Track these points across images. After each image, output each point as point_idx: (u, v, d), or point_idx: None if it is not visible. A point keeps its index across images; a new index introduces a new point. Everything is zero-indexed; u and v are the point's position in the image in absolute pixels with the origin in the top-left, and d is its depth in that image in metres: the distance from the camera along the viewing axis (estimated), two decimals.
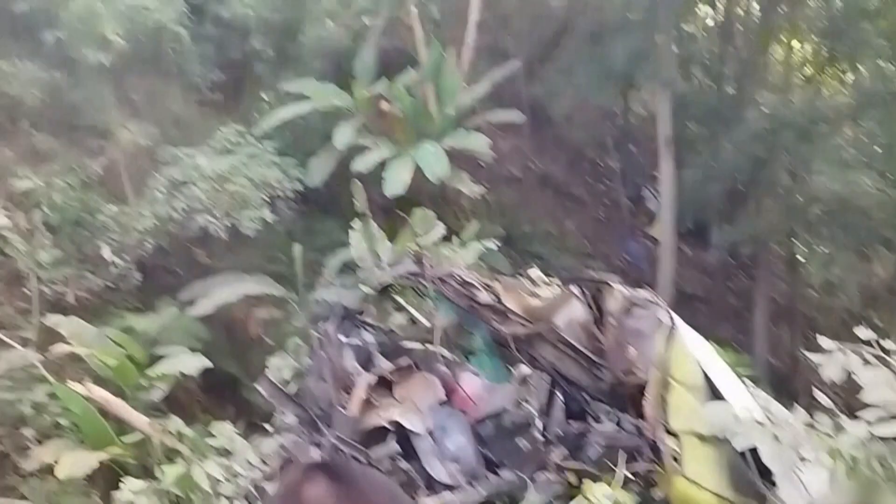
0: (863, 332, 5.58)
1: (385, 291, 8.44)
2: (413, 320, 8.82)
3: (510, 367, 7.60)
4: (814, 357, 5.73)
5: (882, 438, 5.39)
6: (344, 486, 1.32)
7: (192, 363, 10.23)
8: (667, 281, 14.47)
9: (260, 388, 7.97)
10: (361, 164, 13.02)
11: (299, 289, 12.17)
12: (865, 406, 5.33)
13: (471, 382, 8.01)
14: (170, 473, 7.38)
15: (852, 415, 5.90)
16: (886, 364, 5.51)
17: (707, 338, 7.75)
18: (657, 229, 16.56)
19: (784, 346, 16.01)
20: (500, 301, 7.08)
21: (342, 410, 7.10)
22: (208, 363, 10.18)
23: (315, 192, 13.92)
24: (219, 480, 7.16)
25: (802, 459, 6.13)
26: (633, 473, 5.85)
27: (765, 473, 5.84)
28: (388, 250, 10.57)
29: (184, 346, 11.01)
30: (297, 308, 11.95)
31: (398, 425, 6.92)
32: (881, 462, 5.31)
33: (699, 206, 16.43)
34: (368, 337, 8.05)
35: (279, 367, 8.53)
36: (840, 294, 16.09)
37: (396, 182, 12.72)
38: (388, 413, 7.00)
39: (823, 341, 5.60)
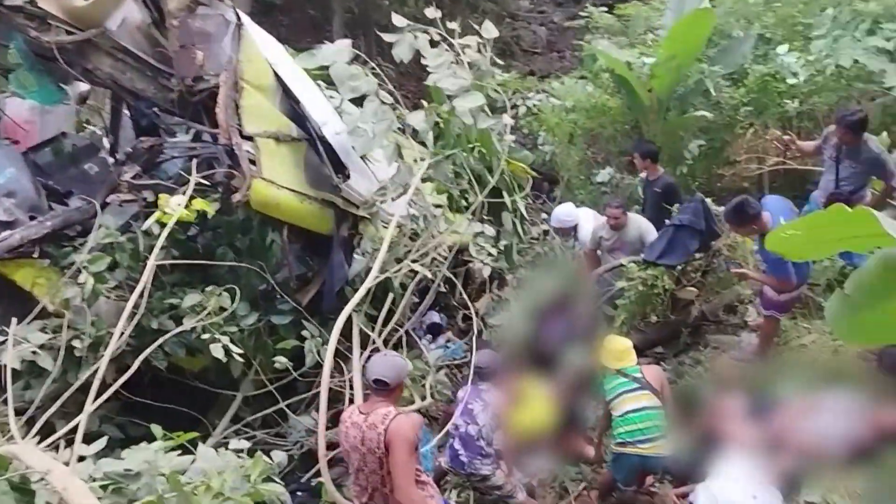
0: (430, 11, 5.85)
1: None
2: None
3: (62, 85, 6.57)
4: (387, 37, 5.90)
5: None
6: None
7: None
8: None
9: None
10: None
11: None
12: None
13: (15, 107, 6.85)
14: None
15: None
16: (451, 47, 5.93)
17: (286, 46, 7.52)
18: None
19: (361, 56, 16.66)
20: (33, 2, 5.83)
21: None
22: None
23: None
24: None
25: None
26: (211, 182, 5.68)
27: (339, 167, 6.14)
28: None
29: None
30: None
31: None
32: None
33: None
34: None
35: None
36: (408, 2, 16.89)
37: None
38: None
39: (397, 19, 5.76)
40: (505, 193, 6.70)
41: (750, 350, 6.41)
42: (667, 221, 6.82)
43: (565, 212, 7.79)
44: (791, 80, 8.58)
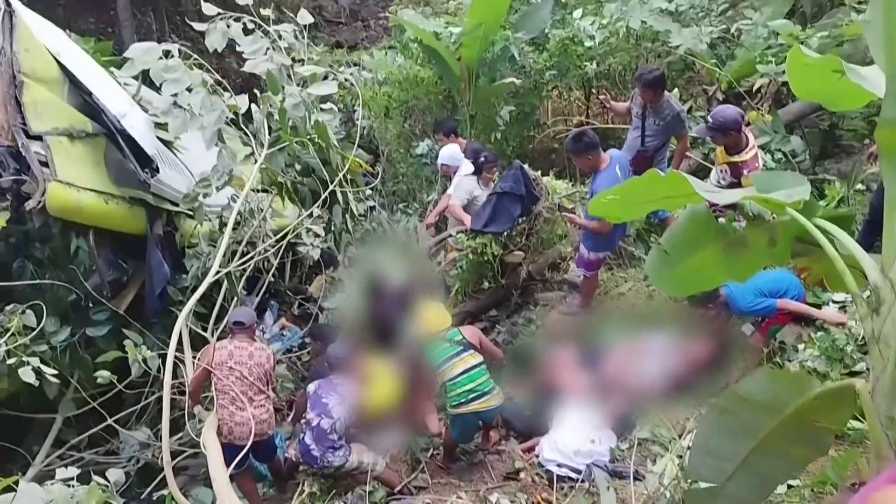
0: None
1: None
2: None
3: None
4: (198, 25, 5.50)
5: None
6: None
7: None
8: None
9: None
10: None
11: None
12: None
13: None
14: None
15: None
16: (266, 33, 5.63)
17: (66, 31, 6.83)
18: None
19: (152, 33, 15.55)
20: None
21: None
22: None
23: None
24: None
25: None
26: None
27: (145, 162, 5.70)
28: None
29: None
30: None
31: None
32: None
33: None
34: None
35: None
36: None
37: None
38: None
39: (207, 7, 5.36)
40: (338, 190, 6.56)
41: (575, 304, 6.76)
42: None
43: (454, 153, 7.53)
44: (588, 43, 9.04)
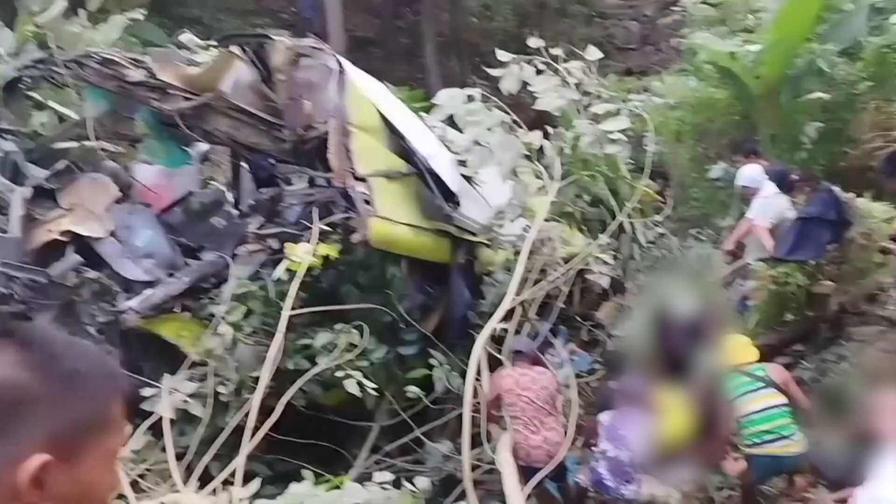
0: (533, 41, 5.87)
1: (15, 89, 7.11)
2: (60, 116, 7.65)
3: (185, 147, 7.04)
4: (493, 71, 5.97)
5: None
6: (38, 354, 0.98)
7: None
8: (337, 27, 14.07)
9: None
10: None
11: None
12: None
13: (146, 172, 7.36)
14: None
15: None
16: (556, 72, 5.94)
17: (384, 80, 7.75)
18: None
19: (455, 76, 16.84)
20: (153, 76, 6.29)
21: (1, 234, 6.18)
22: None
23: None
24: None
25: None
26: (330, 225, 5.91)
27: (449, 197, 6.25)
28: (7, 38, 8.79)
29: None
30: None
31: (74, 236, 6.22)
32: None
33: None
34: (9, 145, 6.87)
35: None
36: (496, 17, 17.03)
37: None
38: (57, 224, 6.23)
39: (501, 55, 5.81)
40: (626, 220, 6.61)
41: None
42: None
43: (755, 174, 7.27)
44: None
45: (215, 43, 7.18)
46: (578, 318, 8.79)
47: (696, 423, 4.60)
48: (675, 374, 4.70)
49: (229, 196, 7.39)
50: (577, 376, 7.71)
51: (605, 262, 6.79)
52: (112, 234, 6.30)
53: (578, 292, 8.66)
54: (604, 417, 5.63)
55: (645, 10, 21.51)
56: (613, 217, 6.45)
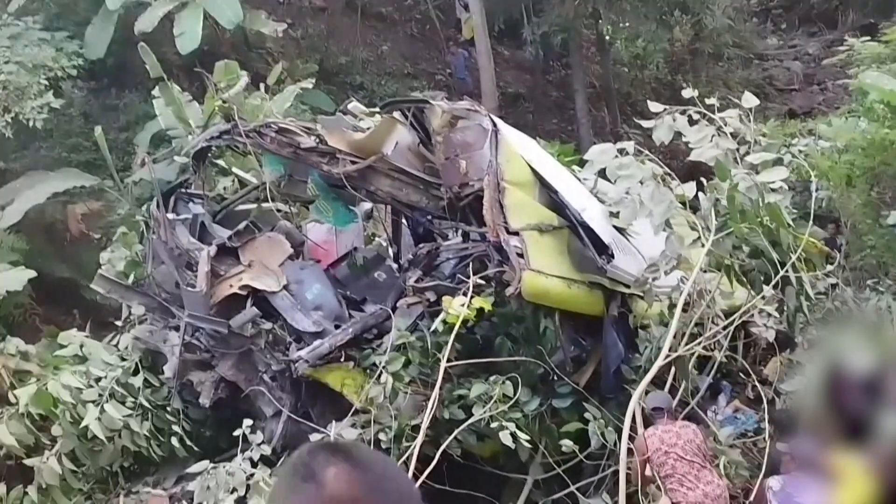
0: (687, 92, 5.83)
1: (203, 157, 7.96)
2: (241, 181, 8.45)
3: (350, 207, 7.54)
4: (645, 123, 5.98)
5: None
6: (370, 475, 1.10)
7: (14, 277, 9.42)
8: (490, 85, 14.49)
9: (96, 287, 7.53)
10: (145, 22, 11.74)
11: (113, 174, 11.25)
12: None
13: (316, 230, 7.92)
14: (22, 395, 6.98)
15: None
16: (711, 121, 5.85)
17: (536, 134, 7.97)
18: (469, 32, 16.35)
19: (606, 126, 16.82)
20: (323, 142, 6.84)
21: (190, 289, 6.86)
22: (32, 273, 9.43)
23: (101, 64, 12.52)
24: (79, 388, 6.86)
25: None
26: (484, 279, 6.10)
27: (601, 249, 6.27)
28: (196, 113, 9.87)
29: (1, 262, 10.07)
30: (116, 195, 11.11)
31: (253, 290, 6.80)
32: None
33: (505, 3, 16.35)
34: (197, 208, 7.67)
35: (112, 259, 8.04)
36: (648, 65, 16.89)
37: (188, 36, 11.62)
38: (237, 280, 6.84)
39: (653, 106, 5.83)
40: (791, 273, 6.31)
41: None
42: None
43: None
44: None
45: (378, 109, 7.69)
46: (742, 375, 8.40)
47: (880, 493, 4.27)
48: (854, 437, 4.39)
49: (390, 251, 7.80)
50: (742, 436, 7.36)
51: (770, 315, 6.49)
52: (285, 287, 6.82)
53: (741, 347, 8.30)
54: (773, 483, 5.32)
55: (808, 49, 20.57)
56: (778, 267, 6.17)
